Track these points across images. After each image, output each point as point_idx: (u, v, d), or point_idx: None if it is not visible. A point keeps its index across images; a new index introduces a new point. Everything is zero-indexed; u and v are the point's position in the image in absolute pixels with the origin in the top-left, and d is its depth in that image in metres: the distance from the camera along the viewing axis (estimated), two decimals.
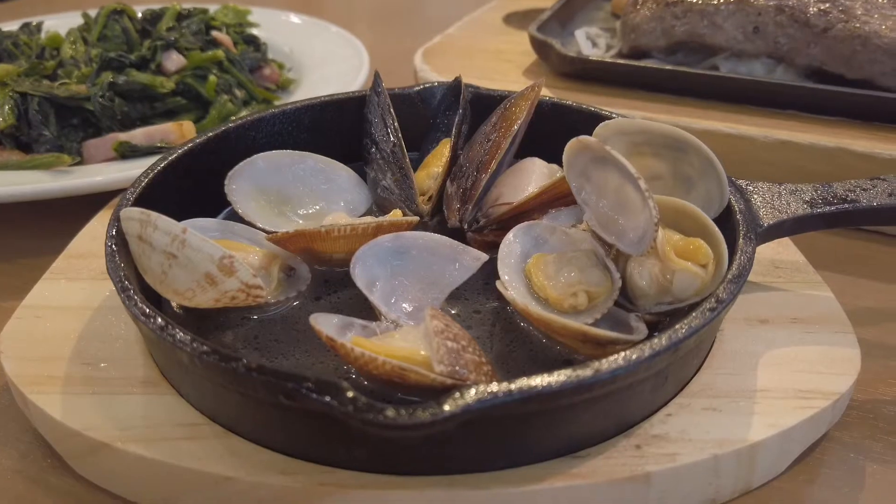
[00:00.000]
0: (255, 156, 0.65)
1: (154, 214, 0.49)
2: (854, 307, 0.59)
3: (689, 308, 0.48)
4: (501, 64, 0.99)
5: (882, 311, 0.64)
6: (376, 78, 0.73)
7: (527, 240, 0.58)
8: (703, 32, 0.86)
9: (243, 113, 0.93)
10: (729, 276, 0.48)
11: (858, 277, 0.68)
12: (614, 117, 0.67)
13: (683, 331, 0.42)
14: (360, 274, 0.53)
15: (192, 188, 0.63)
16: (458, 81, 0.74)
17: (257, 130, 0.70)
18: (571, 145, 0.56)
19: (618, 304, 0.53)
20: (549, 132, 0.68)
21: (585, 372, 0.38)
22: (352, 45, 1.09)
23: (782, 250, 0.62)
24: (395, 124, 0.69)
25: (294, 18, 1.21)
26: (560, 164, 0.58)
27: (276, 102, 0.98)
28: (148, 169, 0.60)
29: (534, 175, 0.66)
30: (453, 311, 0.56)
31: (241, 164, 0.64)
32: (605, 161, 0.55)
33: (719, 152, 0.80)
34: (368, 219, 0.61)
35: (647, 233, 0.51)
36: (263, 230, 0.61)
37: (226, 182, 0.62)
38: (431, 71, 0.95)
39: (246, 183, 0.64)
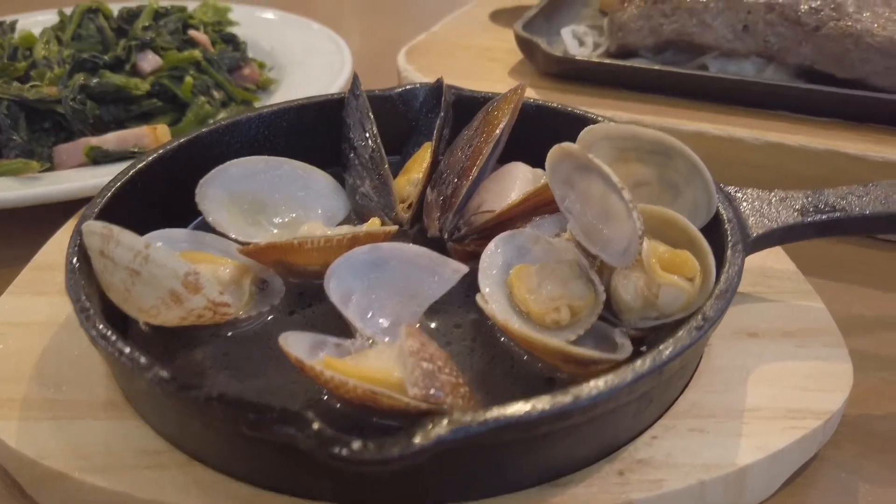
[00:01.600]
0: (229, 162, 0.63)
1: (116, 229, 0.47)
2: (847, 315, 0.58)
3: (676, 324, 0.47)
4: (487, 63, 0.97)
5: (875, 319, 0.63)
6: (355, 80, 0.70)
7: (509, 250, 0.56)
8: (692, 31, 0.84)
9: (221, 114, 0.91)
10: (716, 292, 0.46)
11: (851, 284, 0.67)
12: (600, 120, 0.65)
13: (668, 352, 0.40)
14: (334, 288, 0.51)
15: (162, 196, 0.61)
16: (439, 83, 0.71)
17: (232, 135, 0.67)
18: (554, 152, 0.54)
19: (602, 318, 0.51)
20: (534, 135, 0.66)
21: (564, 399, 0.36)
22: (334, 43, 1.07)
23: (773, 258, 0.61)
24: (374, 129, 0.66)
25: (275, 15, 1.19)
26: (545, 167, 0.56)
27: (256, 103, 0.96)
28: (115, 178, 0.58)
29: (517, 181, 0.64)
30: (433, 325, 0.54)
31: (214, 171, 0.61)
32: (588, 168, 0.53)
33: (708, 154, 0.78)
34: (345, 228, 0.59)
35: (632, 245, 0.49)
36: (236, 241, 0.59)
37: (197, 190, 0.60)
38: (415, 71, 0.92)
39: (218, 190, 0.61)
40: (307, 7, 1.21)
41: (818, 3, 0.80)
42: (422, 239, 0.61)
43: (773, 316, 0.54)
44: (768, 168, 0.76)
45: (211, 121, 0.88)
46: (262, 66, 1.06)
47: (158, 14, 1.00)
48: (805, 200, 0.56)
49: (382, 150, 0.65)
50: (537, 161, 0.63)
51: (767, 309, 0.55)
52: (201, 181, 0.60)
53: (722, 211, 0.53)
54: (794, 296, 0.56)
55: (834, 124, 0.77)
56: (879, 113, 0.76)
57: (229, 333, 0.53)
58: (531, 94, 0.87)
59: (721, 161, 0.77)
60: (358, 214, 0.66)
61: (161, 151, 0.61)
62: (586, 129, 0.58)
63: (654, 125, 0.78)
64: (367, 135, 0.66)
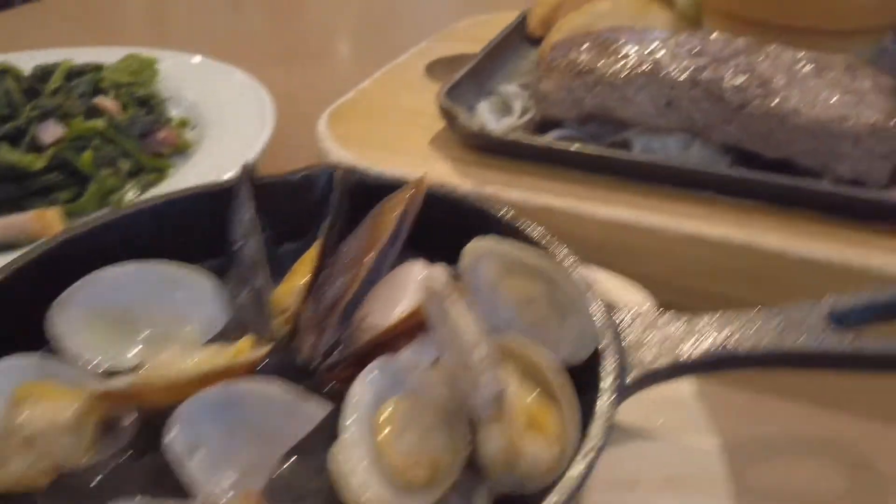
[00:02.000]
0: (90, 275, 0.58)
1: None
2: (749, 437, 0.53)
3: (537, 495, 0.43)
4: (411, 129, 0.92)
5: (784, 443, 0.59)
6: (243, 172, 0.66)
7: (383, 380, 0.52)
8: (614, 106, 0.80)
9: (129, 186, 0.87)
10: (579, 456, 0.42)
11: (765, 395, 0.63)
12: (501, 216, 0.62)
13: None
14: (174, 441, 0.47)
15: (19, 317, 0.56)
16: (332, 173, 0.67)
17: (107, 236, 0.63)
18: (421, 286, 0.50)
19: (468, 470, 0.47)
20: (439, 225, 0.62)
21: None
22: (258, 98, 1.02)
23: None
24: (257, 232, 0.62)
25: (202, 63, 1.14)
26: (449, 262, 0.55)
27: (170, 170, 0.92)
28: None
29: (409, 286, 0.60)
30: (288, 465, 0.50)
31: (71, 288, 0.57)
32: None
33: (626, 243, 0.74)
34: (206, 355, 0.55)
35: (491, 400, 0.45)
36: (96, 365, 0.55)
37: (48, 314, 0.55)
38: (333, 140, 0.88)
39: (77, 309, 0.57)
40: (246, 52, 1.17)
41: (744, 79, 0.76)
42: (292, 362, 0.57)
43: (657, 459, 0.51)
44: (688, 259, 0.72)
45: (121, 204, 0.84)
46: (184, 123, 1.02)
47: (72, 74, 0.96)
48: (697, 328, 0.52)
49: (263, 256, 0.61)
50: (442, 253, 0.59)
51: (652, 450, 0.51)
52: (54, 302, 0.56)
53: (602, 348, 0.50)
54: (684, 432, 0.53)
55: (758, 209, 0.73)
56: (802, 199, 0.72)
57: (73, 483, 0.49)
58: (447, 169, 0.83)
59: (639, 250, 0.73)
60: (238, 322, 0.62)
61: (15, 268, 0.57)
62: (471, 244, 0.55)
63: (569, 212, 0.75)
64: (248, 239, 0.62)
